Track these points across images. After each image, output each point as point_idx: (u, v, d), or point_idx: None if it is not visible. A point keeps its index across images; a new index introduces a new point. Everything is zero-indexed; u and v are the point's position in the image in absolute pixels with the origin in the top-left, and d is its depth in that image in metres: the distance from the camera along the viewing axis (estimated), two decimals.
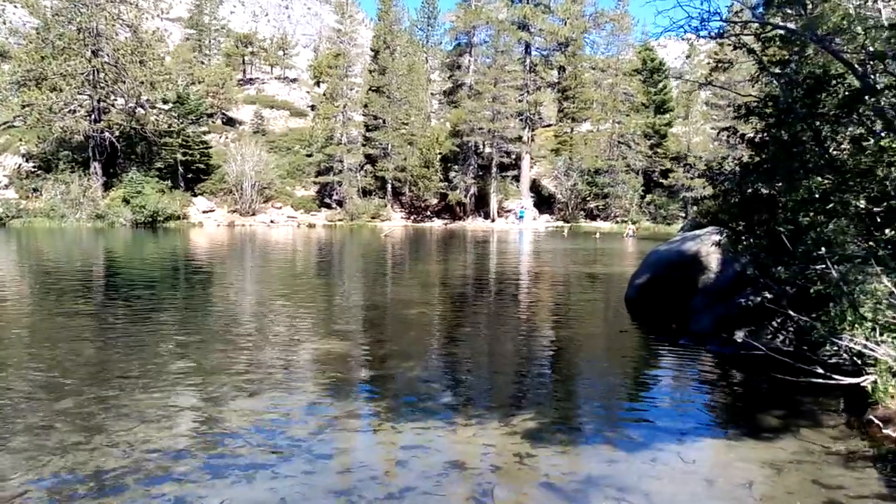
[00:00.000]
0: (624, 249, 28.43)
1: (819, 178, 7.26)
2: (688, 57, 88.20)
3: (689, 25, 9.21)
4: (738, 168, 11.38)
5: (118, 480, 4.50)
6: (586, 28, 57.43)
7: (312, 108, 65.08)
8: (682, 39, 9.83)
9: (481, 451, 5.09)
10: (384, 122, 52.30)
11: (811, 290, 6.14)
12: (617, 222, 51.13)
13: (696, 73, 65.99)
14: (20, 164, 49.24)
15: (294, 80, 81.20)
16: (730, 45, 10.96)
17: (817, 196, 7.36)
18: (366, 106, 53.72)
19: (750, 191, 9.02)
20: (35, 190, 46.56)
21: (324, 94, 57.26)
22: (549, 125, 62.99)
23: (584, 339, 9.92)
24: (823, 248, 5.98)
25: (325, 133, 52.22)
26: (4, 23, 70.39)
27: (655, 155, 54.57)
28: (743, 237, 8.93)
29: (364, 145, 52.87)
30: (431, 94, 65.51)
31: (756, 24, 9.86)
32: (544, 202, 55.49)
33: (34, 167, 48.48)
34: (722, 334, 8.83)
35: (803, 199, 7.19)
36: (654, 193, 53.52)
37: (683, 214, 50.44)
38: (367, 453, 5.14)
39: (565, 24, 55.30)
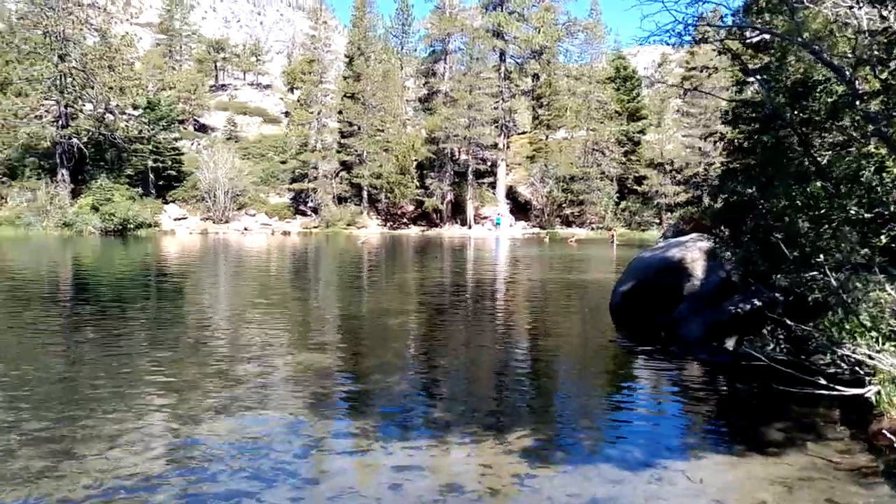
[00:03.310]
0: (604, 256, 28.41)
1: (815, 184, 7.16)
2: (659, 65, 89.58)
3: (674, 30, 9.14)
4: (721, 174, 11.34)
5: None
6: (560, 36, 57.81)
7: (286, 114, 64.37)
8: (667, 44, 9.76)
9: (478, 472, 4.83)
10: (359, 128, 51.88)
11: (809, 298, 6.01)
12: (592, 229, 51.36)
13: (668, 81, 66.83)
14: None
15: (267, 87, 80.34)
16: (714, 50, 10.95)
17: (810, 201, 7.28)
18: (340, 112, 53.25)
19: (734, 196, 8.95)
20: (0, 197, 45.19)
21: (298, 101, 56.66)
22: (525, 132, 63.19)
23: (572, 348, 9.73)
24: (822, 255, 5.86)
25: (299, 139, 51.63)
26: None
27: (629, 162, 55.01)
28: (730, 243, 8.85)
29: (339, 152, 52.36)
30: (407, 100, 65.23)
31: (739, 30, 9.82)
32: (520, 209, 55.54)
33: None
34: (712, 342, 8.71)
35: (797, 205, 7.09)
36: (628, 200, 53.92)
37: (658, 221, 50.87)
38: (357, 476, 4.83)
39: (539, 32, 55.57)
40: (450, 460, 5.07)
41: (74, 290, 16.24)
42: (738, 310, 8.62)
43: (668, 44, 9.37)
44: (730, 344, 8.50)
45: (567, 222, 53.14)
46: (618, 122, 55.74)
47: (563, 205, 53.27)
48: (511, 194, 56.11)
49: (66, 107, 44.92)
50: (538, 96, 57.72)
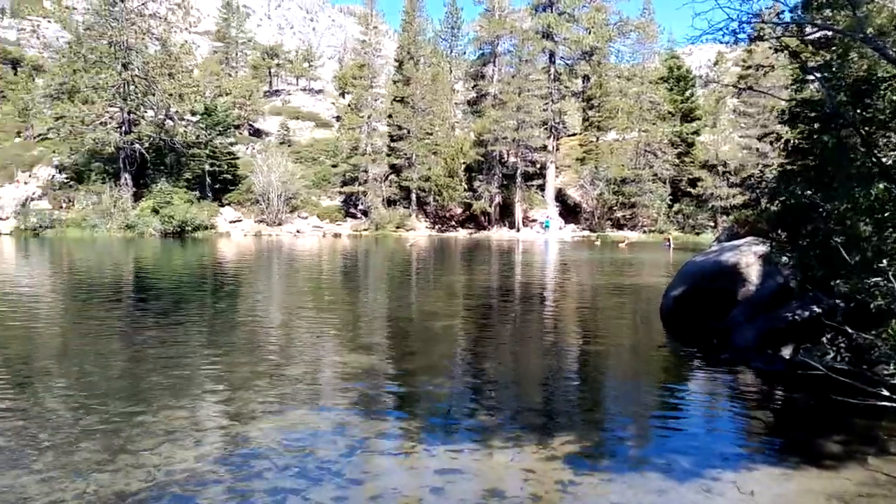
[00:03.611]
0: (658, 259, 27.81)
1: (879, 186, 6.84)
2: (715, 64, 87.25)
3: (728, 28, 8.87)
4: (778, 175, 10.97)
5: None
6: (611, 37, 56.95)
7: (338, 118, 65.49)
8: (721, 42, 9.49)
9: (520, 477, 4.79)
10: (408, 132, 52.34)
11: (871, 305, 5.74)
12: (644, 232, 50.38)
13: (724, 80, 65.05)
14: (53, 176, 50.23)
15: (319, 92, 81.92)
16: (770, 48, 10.59)
17: (873, 204, 6.97)
18: (390, 116, 53.85)
19: (792, 199, 8.63)
20: (68, 200, 47.45)
21: (349, 105, 57.57)
22: (574, 134, 62.53)
23: (620, 354, 9.56)
24: (885, 260, 5.59)
25: (350, 143, 52.43)
26: (38, 38, 72.26)
27: (683, 164, 53.72)
28: (788, 247, 8.53)
29: (389, 155, 52.96)
30: (455, 103, 65.42)
31: (797, 26, 9.48)
32: (570, 211, 54.94)
33: (67, 178, 49.41)
34: (767, 350, 8.41)
35: (859, 207, 6.80)
36: (681, 202, 52.66)
37: (713, 224, 49.52)
38: (400, 478, 4.86)
39: (590, 32, 54.90)
40: (493, 464, 5.05)
41: (136, 290, 16.89)
42: (795, 317, 8.31)
43: (721, 42, 9.12)
44: (786, 352, 8.20)
45: (618, 225, 52.27)
46: (671, 122, 54.52)
47: (614, 207, 52.44)
48: (560, 197, 55.56)
49: (129, 113, 46.83)
50: (588, 97, 57.01)
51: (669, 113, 54.39)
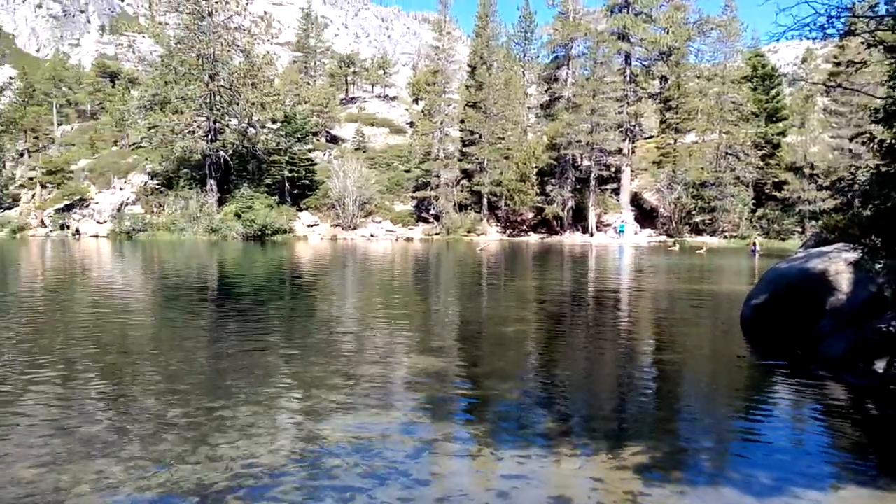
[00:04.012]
0: (741, 266, 26.67)
1: None
2: (803, 61, 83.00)
3: (815, 24, 8.44)
4: (872, 177, 10.33)
5: (218, 498, 4.50)
6: (690, 36, 55.12)
7: (411, 124, 66.41)
8: (808, 38, 9.03)
9: (588, 485, 4.71)
10: (480, 136, 52.45)
11: None
12: (725, 237, 48.41)
13: (813, 77, 61.74)
14: (146, 182, 53.44)
15: (394, 98, 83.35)
16: (863, 43, 9.98)
17: None
18: (462, 121, 54.13)
19: (888, 202, 8.11)
20: (159, 205, 50.35)
21: (422, 111, 58.26)
22: (651, 137, 60.84)
23: (697, 363, 9.23)
24: None
25: (422, 149, 53.06)
26: (134, 52, 77.08)
27: (767, 166, 51.23)
28: (881, 254, 8.02)
29: (460, 160, 53.24)
30: (528, 107, 65.01)
31: (893, 20, 8.91)
32: (646, 216, 53.48)
33: (158, 184, 52.46)
34: (858, 363, 7.92)
35: None
36: (766, 207, 50.22)
37: (800, 229, 47.01)
38: (466, 481, 4.88)
39: (667, 32, 53.35)
40: (560, 472, 4.99)
41: (219, 290, 17.70)
42: (890, 328, 7.78)
43: (808, 38, 8.69)
44: (879, 366, 7.68)
45: (697, 230, 50.42)
46: (754, 123, 52.12)
47: (693, 212, 50.60)
48: (636, 201, 54.19)
49: (214, 122, 49.21)
50: (666, 99, 55.36)
51: (753, 113, 52.00)
